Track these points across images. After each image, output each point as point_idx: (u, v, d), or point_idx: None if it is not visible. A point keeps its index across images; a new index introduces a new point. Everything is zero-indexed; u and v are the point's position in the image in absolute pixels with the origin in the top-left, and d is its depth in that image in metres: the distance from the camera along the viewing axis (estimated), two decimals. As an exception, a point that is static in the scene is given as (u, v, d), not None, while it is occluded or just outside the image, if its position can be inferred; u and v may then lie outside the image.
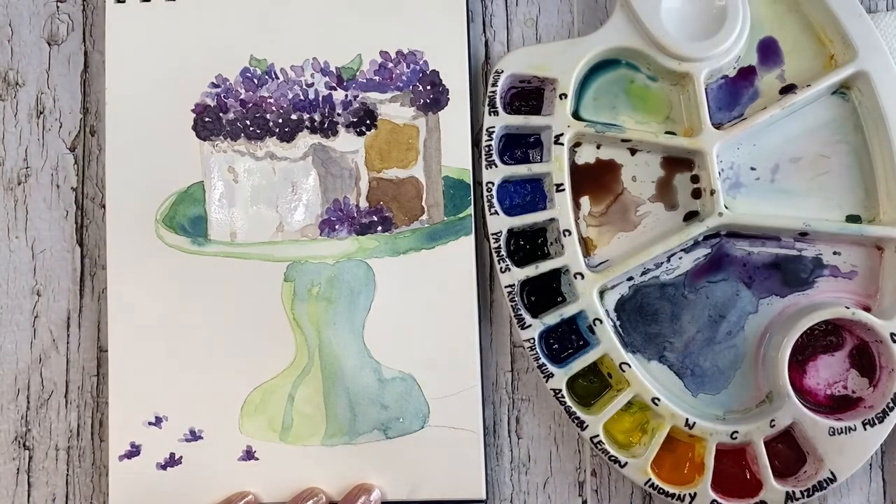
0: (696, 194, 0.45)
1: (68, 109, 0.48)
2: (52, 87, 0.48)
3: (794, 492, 0.43)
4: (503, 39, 0.48)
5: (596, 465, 0.45)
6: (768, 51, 0.46)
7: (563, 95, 0.45)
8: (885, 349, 0.43)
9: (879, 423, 0.43)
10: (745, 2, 0.45)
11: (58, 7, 0.48)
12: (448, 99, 0.46)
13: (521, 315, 0.44)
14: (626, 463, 0.43)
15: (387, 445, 0.45)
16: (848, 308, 0.43)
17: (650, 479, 0.43)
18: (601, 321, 0.44)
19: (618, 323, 0.45)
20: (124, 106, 0.46)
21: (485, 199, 0.45)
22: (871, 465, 0.45)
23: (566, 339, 0.45)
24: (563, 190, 0.45)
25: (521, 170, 0.45)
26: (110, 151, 0.46)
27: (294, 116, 0.46)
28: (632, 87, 0.46)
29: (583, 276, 0.44)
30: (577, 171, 0.46)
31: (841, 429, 0.43)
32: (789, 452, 0.44)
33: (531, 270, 0.45)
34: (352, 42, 0.46)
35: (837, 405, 0.44)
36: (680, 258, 0.45)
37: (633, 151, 0.46)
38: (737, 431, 0.43)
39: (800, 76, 0.46)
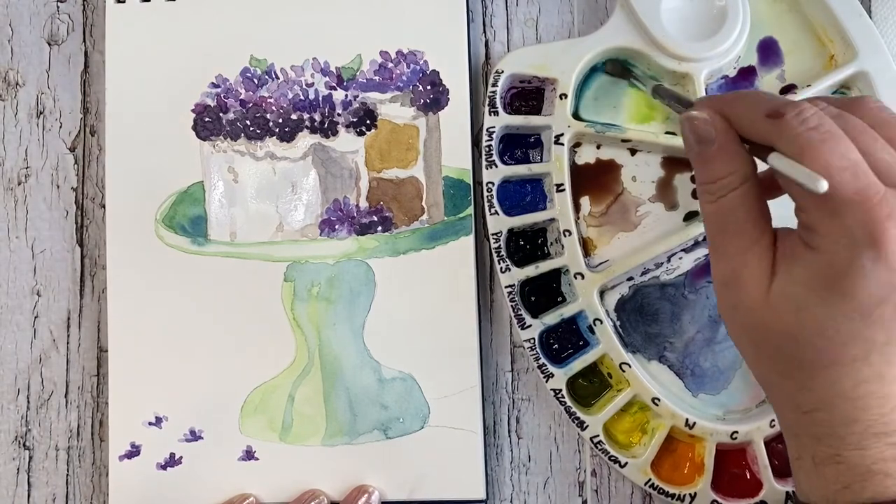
0: (697, 194, 0.45)
1: (68, 109, 0.48)
2: (52, 87, 0.48)
3: (794, 492, 0.43)
4: (503, 39, 0.48)
5: (596, 465, 0.45)
6: (768, 51, 0.46)
7: (564, 95, 0.45)
8: (886, 349, 0.43)
9: (879, 423, 0.43)
10: (745, 2, 0.45)
11: (58, 7, 0.48)
12: (448, 99, 0.46)
13: (521, 315, 0.44)
14: (626, 463, 0.44)
15: (387, 446, 0.45)
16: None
17: (650, 480, 0.43)
18: (601, 321, 0.44)
19: (618, 323, 0.45)
20: (124, 106, 0.46)
21: (485, 199, 0.45)
22: (871, 465, 0.45)
23: (566, 339, 0.45)
24: (563, 190, 0.45)
25: (521, 170, 0.45)
26: (110, 151, 0.46)
27: (294, 116, 0.46)
28: (632, 88, 0.46)
29: (583, 277, 0.44)
30: (577, 171, 0.46)
31: (841, 429, 0.43)
32: (789, 452, 0.44)
33: (531, 270, 0.45)
34: (352, 42, 0.46)
35: (837, 405, 0.44)
36: (680, 258, 0.45)
37: (633, 151, 0.46)
38: (737, 431, 0.43)
39: (800, 76, 0.46)
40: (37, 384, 0.47)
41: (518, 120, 0.45)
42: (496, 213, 0.45)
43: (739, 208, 0.34)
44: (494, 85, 0.45)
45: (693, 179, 0.45)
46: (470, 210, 0.45)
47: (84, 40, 0.48)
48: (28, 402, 0.47)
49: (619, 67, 0.45)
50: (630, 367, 0.44)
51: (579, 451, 0.46)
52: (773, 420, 0.43)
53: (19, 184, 0.48)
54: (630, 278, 0.45)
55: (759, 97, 0.35)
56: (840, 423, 0.33)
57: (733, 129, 0.35)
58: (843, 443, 0.33)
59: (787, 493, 0.43)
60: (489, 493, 0.45)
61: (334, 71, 0.46)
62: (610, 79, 0.46)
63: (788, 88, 0.46)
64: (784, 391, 0.34)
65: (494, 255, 0.45)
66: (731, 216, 0.34)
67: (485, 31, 0.48)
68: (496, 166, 0.45)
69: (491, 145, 0.45)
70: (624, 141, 0.45)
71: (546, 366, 0.44)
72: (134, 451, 0.45)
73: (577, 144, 0.46)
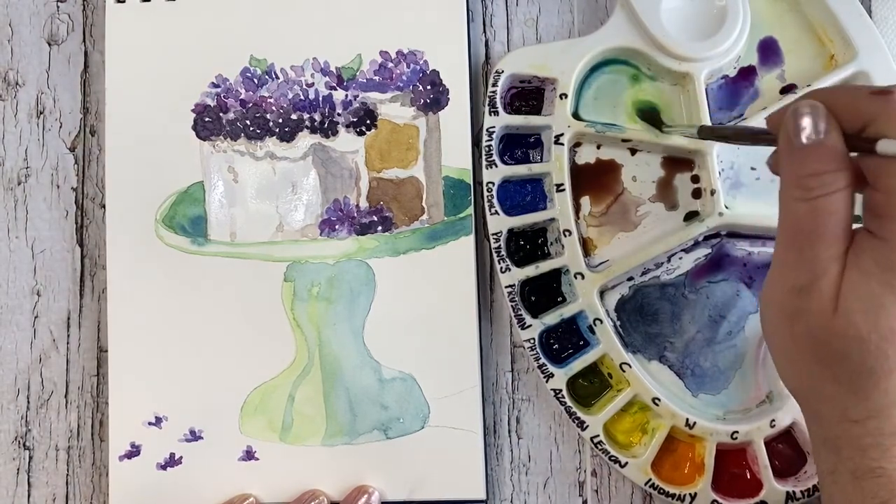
0: (697, 194, 0.45)
1: (68, 109, 0.48)
2: (52, 87, 0.48)
3: (794, 492, 0.43)
4: (503, 39, 0.48)
5: (596, 465, 0.45)
6: (768, 51, 0.46)
7: (564, 95, 0.45)
8: (886, 349, 0.43)
9: (880, 423, 0.43)
10: (745, 2, 0.45)
11: (58, 7, 0.48)
12: (448, 99, 0.46)
13: (521, 315, 0.44)
14: (627, 463, 0.43)
15: (387, 446, 0.45)
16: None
17: (650, 480, 0.43)
18: (601, 321, 0.44)
19: (618, 323, 0.45)
20: (124, 106, 0.46)
21: (485, 199, 0.45)
22: (871, 465, 0.45)
23: (566, 339, 0.45)
24: (564, 190, 0.45)
25: (522, 170, 0.45)
26: (110, 151, 0.46)
27: (294, 116, 0.46)
28: (632, 87, 0.46)
29: (583, 276, 0.44)
30: (577, 171, 0.46)
31: (841, 429, 0.43)
32: (790, 452, 0.44)
33: (531, 270, 0.45)
34: (352, 42, 0.46)
35: (838, 405, 0.44)
36: (680, 258, 0.45)
37: (633, 151, 0.46)
38: (737, 431, 0.43)
39: (800, 76, 0.46)
40: (37, 384, 0.47)
41: (518, 120, 0.45)
42: (496, 213, 0.45)
43: (841, 212, 0.32)
44: (494, 85, 0.45)
45: (694, 179, 0.45)
46: (470, 210, 0.45)
47: (84, 40, 0.48)
48: (28, 402, 0.47)
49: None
50: (630, 367, 0.44)
51: (579, 451, 0.46)
52: (774, 420, 0.43)
53: (19, 184, 0.48)
54: (630, 278, 0.45)
55: (857, 85, 0.34)
56: (890, 433, 0.32)
57: (840, 126, 0.33)
58: (888, 455, 0.32)
59: (787, 493, 0.43)
60: (489, 493, 0.45)
61: (334, 71, 0.46)
62: (610, 78, 0.46)
63: (789, 88, 0.46)
64: (834, 400, 0.34)
65: (494, 255, 0.45)
66: (830, 219, 0.32)
67: (485, 31, 0.48)
68: (496, 166, 0.45)
69: (491, 145, 0.45)
70: (624, 141, 0.45)
71: (546, 366, 0.44)
72: (134, 451, 0.45)
73: (577, 144, 0.46)
